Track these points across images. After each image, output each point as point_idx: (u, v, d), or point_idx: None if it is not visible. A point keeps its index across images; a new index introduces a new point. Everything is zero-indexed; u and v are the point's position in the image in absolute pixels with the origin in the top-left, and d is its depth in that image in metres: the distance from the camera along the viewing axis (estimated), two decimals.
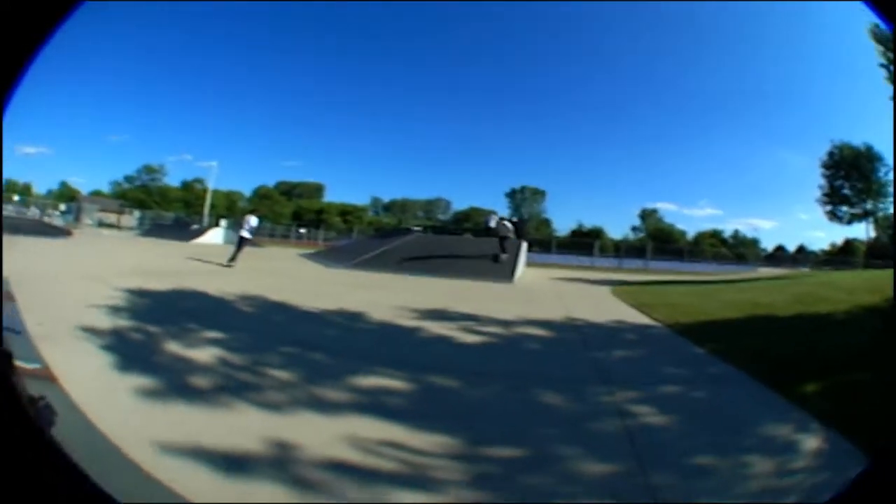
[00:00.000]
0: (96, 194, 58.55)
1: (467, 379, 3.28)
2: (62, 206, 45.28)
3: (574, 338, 5.04)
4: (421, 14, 73.14)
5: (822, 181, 30.97)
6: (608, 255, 38.59)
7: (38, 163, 73.19)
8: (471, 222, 52.25)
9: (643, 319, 6.26)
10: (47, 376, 2.68)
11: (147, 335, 3.95)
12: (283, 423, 2.32)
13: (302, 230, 45.20)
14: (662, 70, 75.12)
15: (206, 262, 11.68)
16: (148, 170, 63.22)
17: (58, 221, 32.81)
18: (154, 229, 32.06)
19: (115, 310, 4.67)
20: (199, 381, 2.88)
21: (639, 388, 3.22)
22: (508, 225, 13.64)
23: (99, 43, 74.80)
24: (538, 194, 66.52)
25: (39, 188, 56.97)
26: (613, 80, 77.53)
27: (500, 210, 57.67)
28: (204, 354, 3.43)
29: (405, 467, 1.96)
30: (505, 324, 5.37)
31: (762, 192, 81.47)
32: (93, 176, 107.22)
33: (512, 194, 66.27)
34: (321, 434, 2.20)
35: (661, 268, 27.03)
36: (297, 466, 1.91)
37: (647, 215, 64.82)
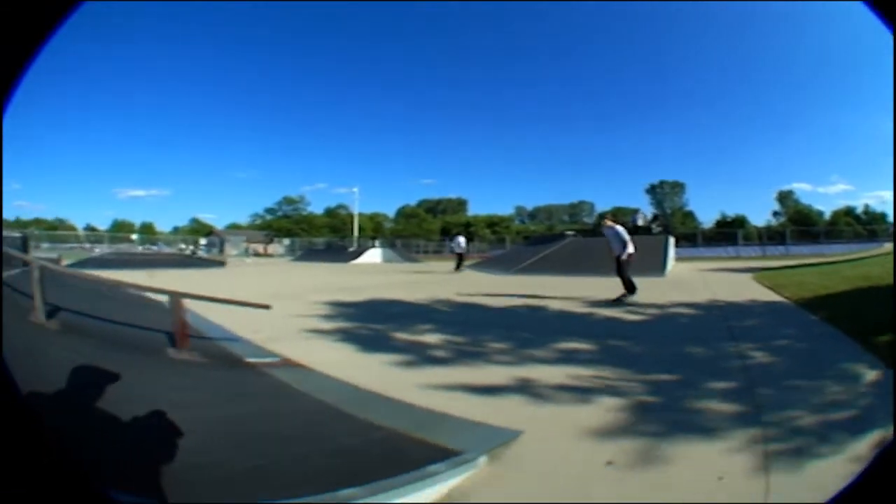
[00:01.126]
0: (233, 227, 60.90)
1: (633, 340, 4.63)
2: (203, 241, 46.80)
3: (716, 313, 6.30)
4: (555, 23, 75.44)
5: None
6: (752, 244, 36.18)
7: (156, 204, 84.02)
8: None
9: (774, 297, 7.39)
10: (288, 363, 3.17)
11: (365, 329, 4.99)
12: (515, 370, 3.60)
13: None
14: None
15: (379, 277, 13.33)
16: (288, 200, 67.76)
17: (201, 255, 33.50)
18: (308, 254, 33.50)
19: (324, 316, 5.84)
20: (435, 353, 4.01)
21: (758, 341, 4.33)
22: (619, 232, 7.98)
23: (222, 92, 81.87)
24: (678, 187, 64.12)
25: (162, 226, 61.89)
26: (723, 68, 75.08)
27: (643, 207, 55.90)
28: (430, 338, 4.59)
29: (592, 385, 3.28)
30: (660, 307, 6.78)
31: (881, 161, 67.70)
32: (222, 211, 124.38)
33: (652, 190, 64.32)
34: (539, 373, 3.55)
35: (801, 252, 25.86)
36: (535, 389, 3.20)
37: (783, 197, 60.04)
